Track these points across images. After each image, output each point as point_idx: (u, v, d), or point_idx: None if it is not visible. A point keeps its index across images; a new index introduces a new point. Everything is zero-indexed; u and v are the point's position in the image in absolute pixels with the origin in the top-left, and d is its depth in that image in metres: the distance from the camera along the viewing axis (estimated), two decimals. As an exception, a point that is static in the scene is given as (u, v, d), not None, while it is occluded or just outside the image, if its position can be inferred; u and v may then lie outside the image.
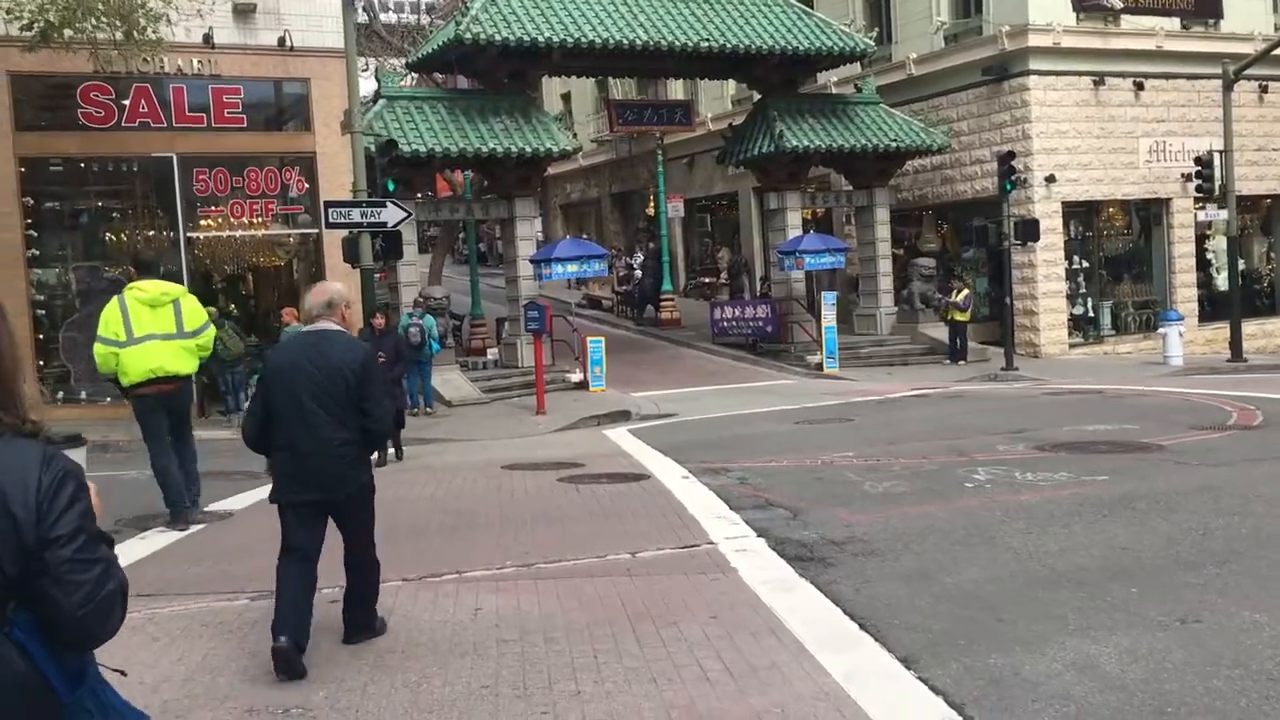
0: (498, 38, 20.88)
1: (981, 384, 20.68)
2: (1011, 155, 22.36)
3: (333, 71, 17.93)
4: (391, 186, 17.02)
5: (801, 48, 23.55)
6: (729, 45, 22.90)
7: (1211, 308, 26.39)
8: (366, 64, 24.83)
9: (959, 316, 23.76)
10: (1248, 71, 23.97)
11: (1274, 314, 27.09)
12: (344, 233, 16.72)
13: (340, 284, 6.09)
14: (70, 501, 2.16)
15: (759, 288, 31.31)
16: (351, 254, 16.52)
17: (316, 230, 18.77)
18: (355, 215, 16.06)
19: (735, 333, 25.96)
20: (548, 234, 40.10)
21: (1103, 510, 8.13)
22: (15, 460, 2.14)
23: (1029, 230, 22.15)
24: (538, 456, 13.06)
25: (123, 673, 2.51)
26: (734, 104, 32.83)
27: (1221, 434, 11.96)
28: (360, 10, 22.50)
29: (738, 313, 26.20)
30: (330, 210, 16.02)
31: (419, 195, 23.06)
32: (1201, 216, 24.54)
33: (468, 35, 20.67)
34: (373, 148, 17.64)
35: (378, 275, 21.39)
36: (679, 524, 8.41)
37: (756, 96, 26.99)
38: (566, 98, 39.85)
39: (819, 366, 23.12)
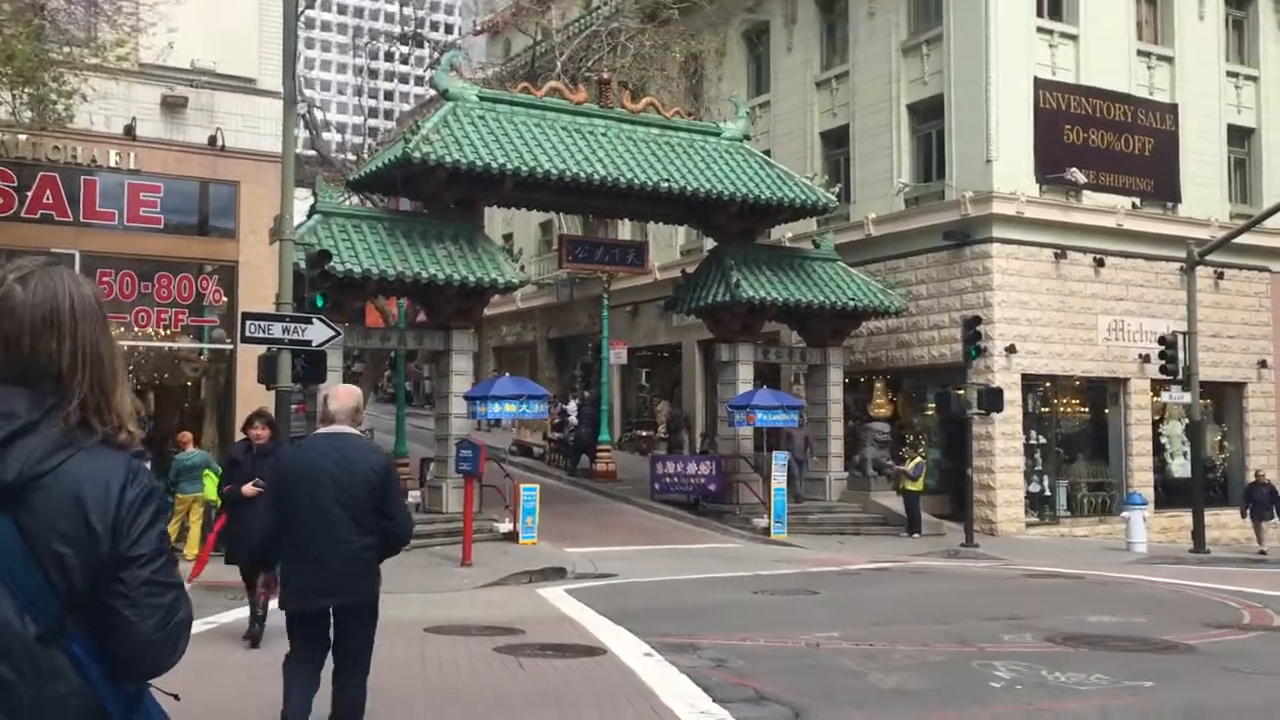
0: (448, 159, 19.67)
1: (943, 560, 19.21)
2: (978, 320, 21.52)
3: (266, 176, 16.46)
4: (320, 302, 15.38)
5: (763, 197, 22.73)
6: (689, 188, 21.98)
7: (1166, 494, 25.45)
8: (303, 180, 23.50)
9: (910, 486, 22.47)
10: (1205, 258, 23.69)
11: (1226, 505, 26.18)
12: (261, 350, 14.98)
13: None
14: (152, 520, 2.11)
15: (699, 444, 29.90)
16: (269, 374, 14.73)
17: (230, 346, 16.95)
18: (277, 330, 14.34)
19: (676, 490, 24.34)
20: (478, 377, 38.47)
21: (1180, 730, 6.57)
22: (101, 470, 2.06)
23: (993, 400, 21.12)
24: (467, 617, 11.17)
25: (176, 697, 2.31)
26: (683, 254, 32.01)
27: (1246, 635, 10.58)
28: (301, 122, 21.25)
29: (680, 469, 24.63)
30: (248, 323, 14.29)
31: (347, 323, 21.44)
32: (1166, 398, 23.80)
33: (417, 154, 19.43)
34: (303, 261, 16.08)
35: (295, 406, 19.56)
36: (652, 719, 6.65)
37: (707, 247, 26.16)
38: (509, 238, 38.85)
39: (766, 531, 21.52)
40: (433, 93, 26.00)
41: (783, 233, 27.46)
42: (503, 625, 10.52)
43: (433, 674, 8.11)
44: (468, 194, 21.06)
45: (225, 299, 17.43)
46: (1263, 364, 27.00)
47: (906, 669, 8.34)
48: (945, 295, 24.55)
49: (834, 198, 23.86)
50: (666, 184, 21.76)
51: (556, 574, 16.27)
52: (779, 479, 21.53)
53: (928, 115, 25.75)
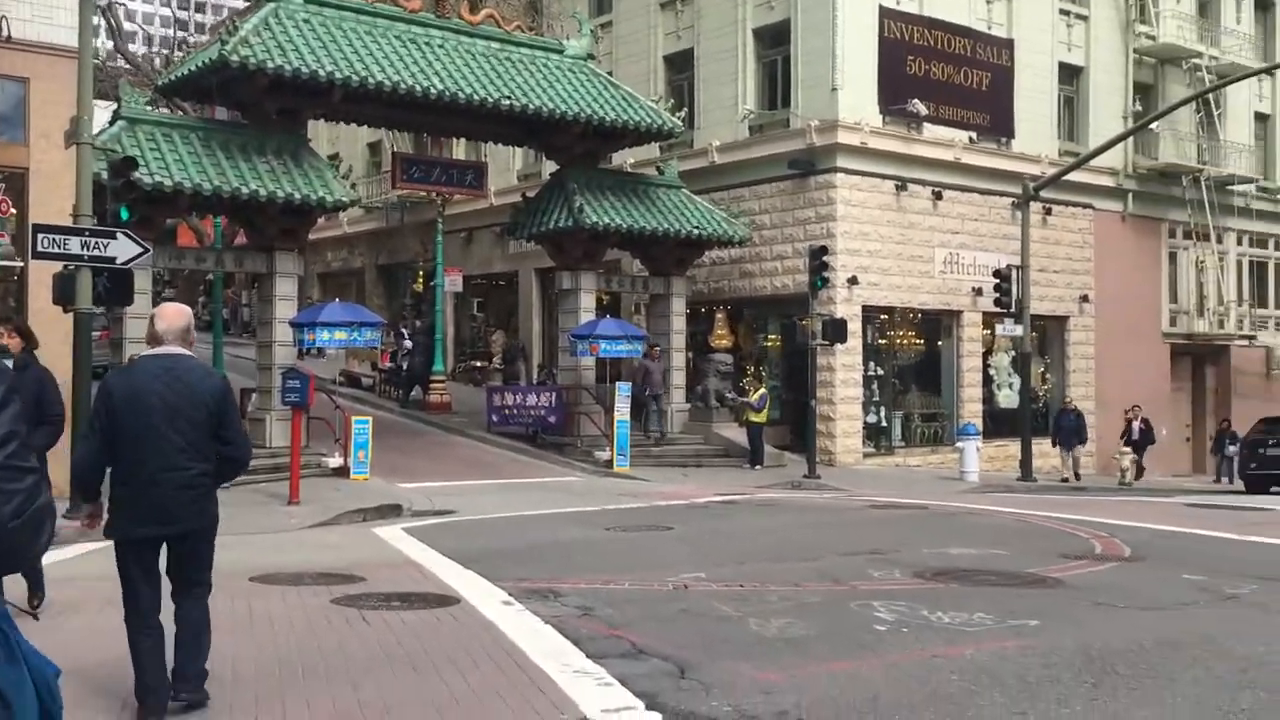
0: (271, 65, 18.02)
1: (787, 492, 19.08)
2: (824, 250, 21.31)
3: (60, 72, 14.57)
4: (125, 216, 13.79)
5: (608, 119, 21.84)
6: (531, 106, 20.89)
7: (993, 424, 26.11)
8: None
9: (754, 418, 22.32)
10: (1038, 194, 24.12)
11: (1048, 434, 27.09)
12: (57, 267, 13.35)
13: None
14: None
15: (536, 375, 29.11)
16: (65, 294, 13.15)
17: (20, 264, 15.13)
18: (74, 245, 12.76)
19: (515, 422, 23.53)
20: (302, 304, 36.51)
21: (1083, 676, 6.23)
22: None
23: (837, 331, 21.03)
24: (298, 562, 10.16)
25: (35, 616, 2.40)
26: (521, 178, 30.88)
27: (1103, 566, 10.53)
28: (101, 18, 19.14)
29: (518, 400, 23.81)
30: (41, 236, 12.66)
31: (157, 241, 19.61)
32: (1000, 330, 24.27)
33: (235, 57, 17.72)
34: (104, 171, 14.41)
35: (98, 333, 17.82)
36: (525, 682, 5.91)
37: (546, 173, 25.19)
38: (335, 158, 36.76)
39: (609, 464, 20.99)
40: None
41: (624, 159, 26.68)
42: (340, 571, 9.58)
43: (262, 633, 7.14)
44: (292, 104, 19.44)
45: (14, 211, 15.51)
46: (1084, 298, 27.90)
47: (785, 613, 7.83)
48: (789, 225, 24.30)
49: (680, 122, 23.18)
50: (508, 101, 20.63)
51: (392, 511, 15.33)
52: (622, 410, 20.97)
53: (774, 41, 25.26)
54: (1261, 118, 32.64)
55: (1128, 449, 25.29)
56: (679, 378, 23.92)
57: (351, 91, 19.17)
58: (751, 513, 15.32)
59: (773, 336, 25.81)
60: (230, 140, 18.83)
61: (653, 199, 23.29)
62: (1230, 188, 30.83)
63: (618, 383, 21.65)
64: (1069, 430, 24.38)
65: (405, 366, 27.74)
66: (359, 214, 34.95)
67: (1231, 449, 27.97)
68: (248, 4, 21.51)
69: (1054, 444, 24.90)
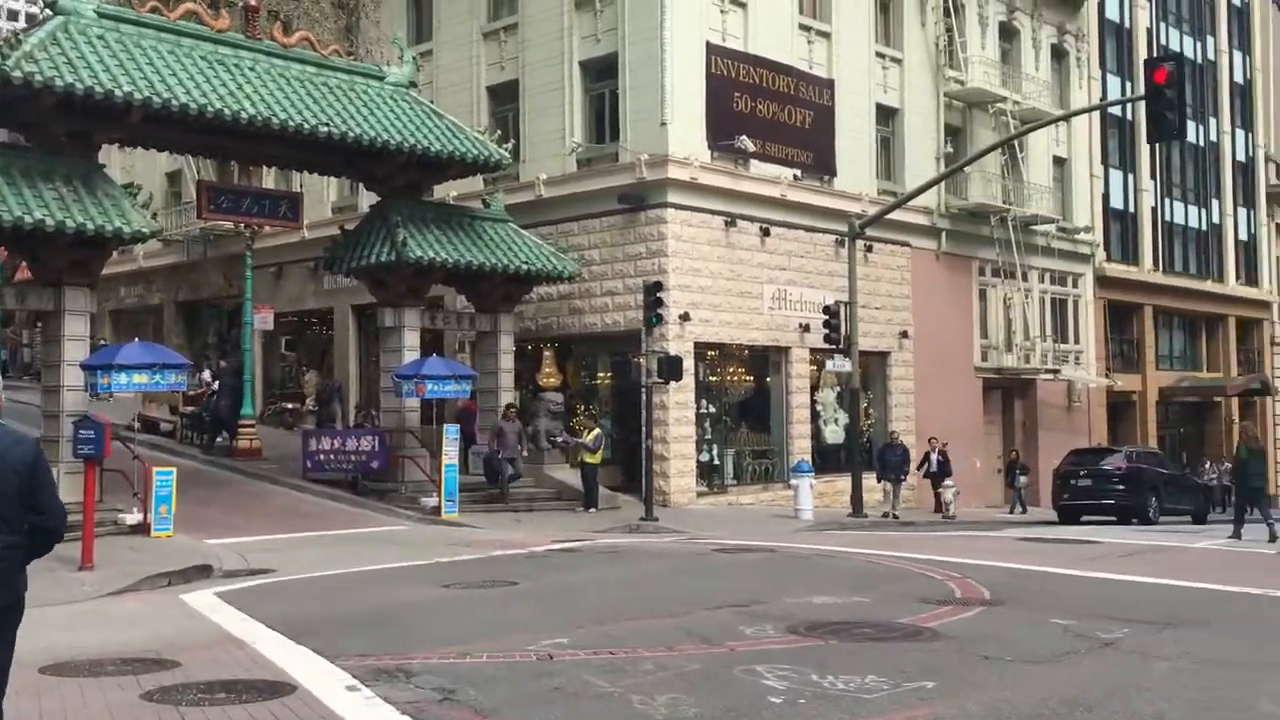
0: (60, 83, 16.33)
1: (627, 536, 18.42)
2: (659, 286, 20.89)
3: None
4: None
5: (433, 149, 20.87)
6: (352, 134, 19.73)
7: (821, 460, 26.18)
8: None
9: (589, 458, 21.64)
10: (863, 230, 24.45)
11: (871, 469, 27.38)
12: None
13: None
14: None
15: (354, 417, 27.60)
16: None
17: None
18: None
19: (333, 468, 22.10)
20: (94, 344, 33.77)
21: (1008, 748, 5.75)
22: None
23: (673, 368, 20.60)
24: (96, 644, 8.84)
25: None
26: (336, 210, 29.48)
27: (970, 612, 10.26)
28: None
29: (338, 444, 22.37)
30: None
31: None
32: (830, 366, 24.38)
33: (17, 73, 15.96)
34: None
35: None
36: (391, 799, 4.98)
37: (364, 206, 24.03)
38: (129, 187, 34.27)
39: (436, 511, 19.86)
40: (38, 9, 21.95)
41: (447, 191, 25.70)
42: (147, 654, 8.33)
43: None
44: (83, 126, 17.70)
45: None
46: (904, 334, 28.46)
47: (667, 685, 7.11)
48: (619, 260, 23.82)
49: (508, 154, 22.42)
50: (326, 128, 19.42)
51: (200, 573, 13.85)
52: (450, 454, 19.92)
53: (602, 74, 24.86)
54: (1059, 161, 34.31)
55: (951, 483, 25.76)
56: (508, 418, 22.99)
57: (152, 113, 17.60)
58: (597, 562, 14.57)
59: (603, 374, 25.23)
60: (12, 164, 16.94)
61: (479, 233, 22.41)
62: (1033, 227, 32.20)
63: (445, 425, 20.58)
64: (895, 464, 24.65)
65: (209, 410, 25.80)
66: (157, 247, 32.65)
67: (1022, 479, 28.88)
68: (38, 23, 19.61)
69: (879, 479, 25.13)
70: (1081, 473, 26.30)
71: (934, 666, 7.70)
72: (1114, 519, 25.50)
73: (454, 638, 8.90)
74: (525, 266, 22.25)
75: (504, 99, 26.81)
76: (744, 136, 24.13)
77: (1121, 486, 25.71)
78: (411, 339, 21.67)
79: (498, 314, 23.05)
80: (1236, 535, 19.20)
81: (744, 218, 24.57)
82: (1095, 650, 8.46)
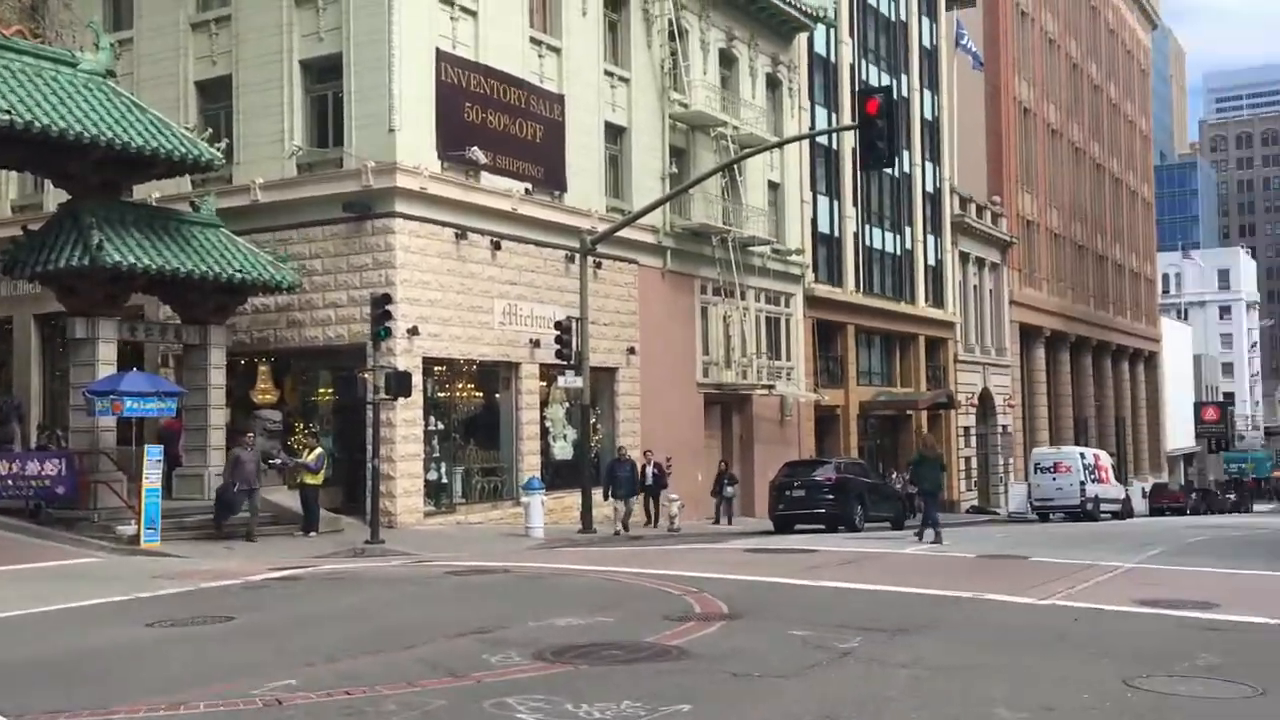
0: None
1: (353, 561, 17.50)
2: (388, 299, 20.06)
3: None
4: None
5: (134, 144, 19.17)
6: (38, 124, 17.82)
7: (550, 476, 25.98)
8: None
9: (310, 480, 20.49)
10: (595, 247, 24.52)
11: (598, 484, 27.48)
12: None
13: None
14: None
15: (35, 437, 24.98)
16: None
17: None
18: None
19: (10, 494, 19.85)
20: None
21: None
22: None
23: (401, 384, 19.81)
24: None
25: None
26: (16, 210, 26.69)
27: (712, 627, 10.22)
28: None
29: (16, 468, 20.10)
30: None
31: None
32: (562, 382, 24.19)
33: None
34: None
35: None
36: None
37: (55, 203, 21.84)
38: None
39: (135, 540, 18.20)
40: None
41: (148, 193, 23.78)
42: None
43: None
44: None
45: None
46: (631, 350, 28.77)
47: (415, 727, 6.57)
48: (344, 272, 22.76)
49: (220, 154, 20.94)
50: (7, 116, 17.42)
51: None
52: (153, 478, 18.31)
53: (325, 75, 23.73)
54: (774, 186, 35.82)
55: (676, 497, 26.18)
56: (217, 437, 21.42)
57: None
58: (323, 591, 13.66)
59: (324, 391, 24.00)
60: None
61: (187, 238, 20.79)
62: (751, 248, 33.41)
63: (147, 446, 18.89)
64: (625, 480, 24.74)
65: None
66: None
67: (730, 489, 29.68)
68: None
69: (607, 495, 25.16)
70: (795, 484, 27.42)
71: (688, 688, 7.53)
72: (823, 527, 26.74)
73: (164, 685, 7.94)
74: (239, 275, 20.84)
75: (216, 96, 25.09)
76: (475, 148, 23.66)
77: (831, 496, 26.98)
78: (107, 352, 19.78)
79: (208, 326, 21.46)
80: (937, 539, 20.47)
81: (475, 230, 24.08)
82: (836, 661, 8.58)
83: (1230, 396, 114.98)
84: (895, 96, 44.65)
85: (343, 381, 20.77)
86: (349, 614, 11.66)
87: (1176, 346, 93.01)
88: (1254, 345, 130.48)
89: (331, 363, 23.30)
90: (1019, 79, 57.88)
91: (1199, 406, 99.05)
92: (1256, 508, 78.12)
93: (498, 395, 25.58)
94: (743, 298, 33.16)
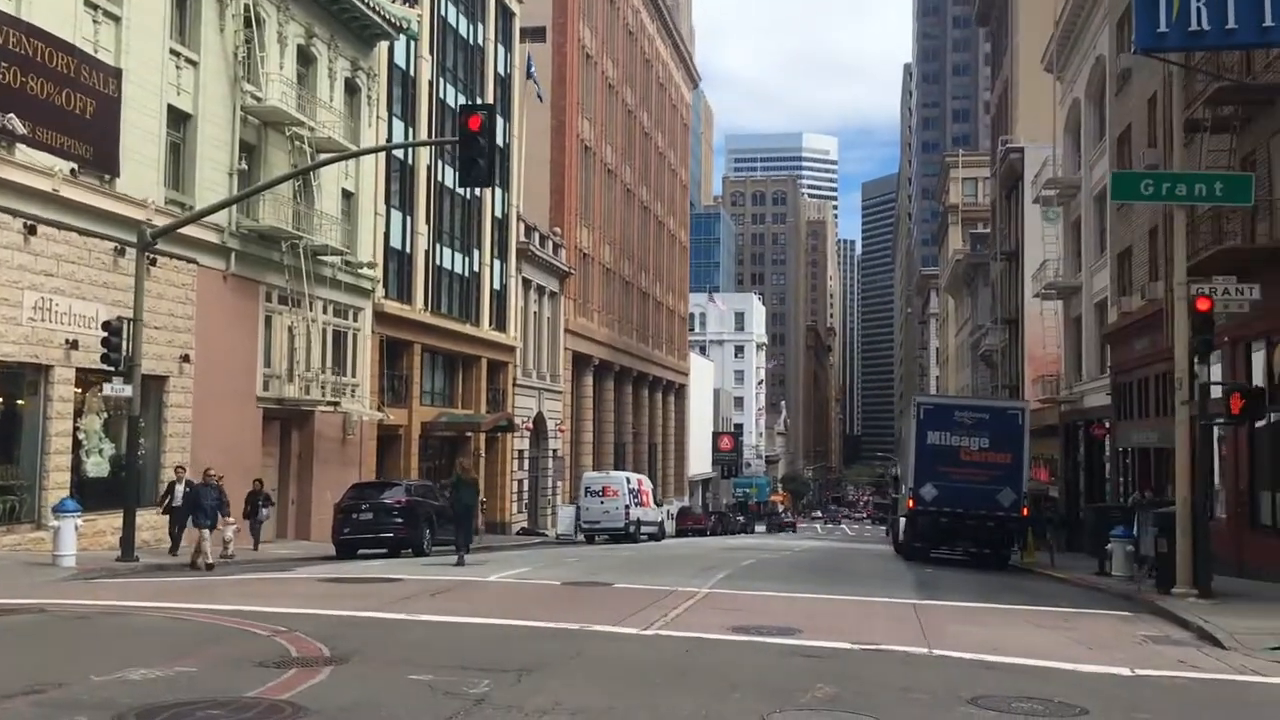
0: None
1: None
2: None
3: None
4: None
5: None
6: None
7: (83, 496, 22.87)
8: None
9: None
10: (157, 241, 22.01)
11: (141, 504, 24.62)
12: None
13: None
14: None
15: None
16: None
17: None
18: None
19: None
20: None
21: None
22: None
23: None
24: None
25: None
26: None
27: (322, 674, 9.18)
28: None
29: None
30: None
31: None
32: (109, 390, 21.27)
33: None
34: None
35: None
36: None
37: None
38: None
39: None
40: None
41: None
42: None
43: None
44: None
45: None
46: (185, 358, 26.23)
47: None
48: None
49: None
50: None
51: None
52: None
53: None
54: (348, 195, 34.39)
55: (233, 521, 24.02)
56: None
57: None
58: None
59: None
60: None
61: None
62: (322, 258, 31.80)
63: None
64: (211, 508, 21.88)
65: None
66: None
67: (264, 511, 27.63)
68: None
69: (188, 525, 22.10)
70: (363, 506, 26.30)
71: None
72: (387, 551, 25.81)
73: None
74: None
75: None
76: (12, 115, 20.41)
77: (400, 520, 26.17)
78: None
79: None
80: (460, 562, 21.22)
81: (6, 211, 20.74)
82: (473, 710, 7.95)
83: (740, 428, 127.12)
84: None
85: None
86: None
87: (701, 380, 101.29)
88: (760, 382, 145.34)
89: None
90: (582, 117, 60.34)
91: (716, 436, 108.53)
92: (758, 529, 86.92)
93: (20, 402, 22.15)
94: (310, 309, 31.43)
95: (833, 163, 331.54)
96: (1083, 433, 39.22)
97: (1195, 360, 16.30)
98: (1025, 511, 27.95)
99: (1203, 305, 15.64)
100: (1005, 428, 27.84)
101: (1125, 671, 10.51)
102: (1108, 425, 33.88)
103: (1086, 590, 19.65)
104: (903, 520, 34.59)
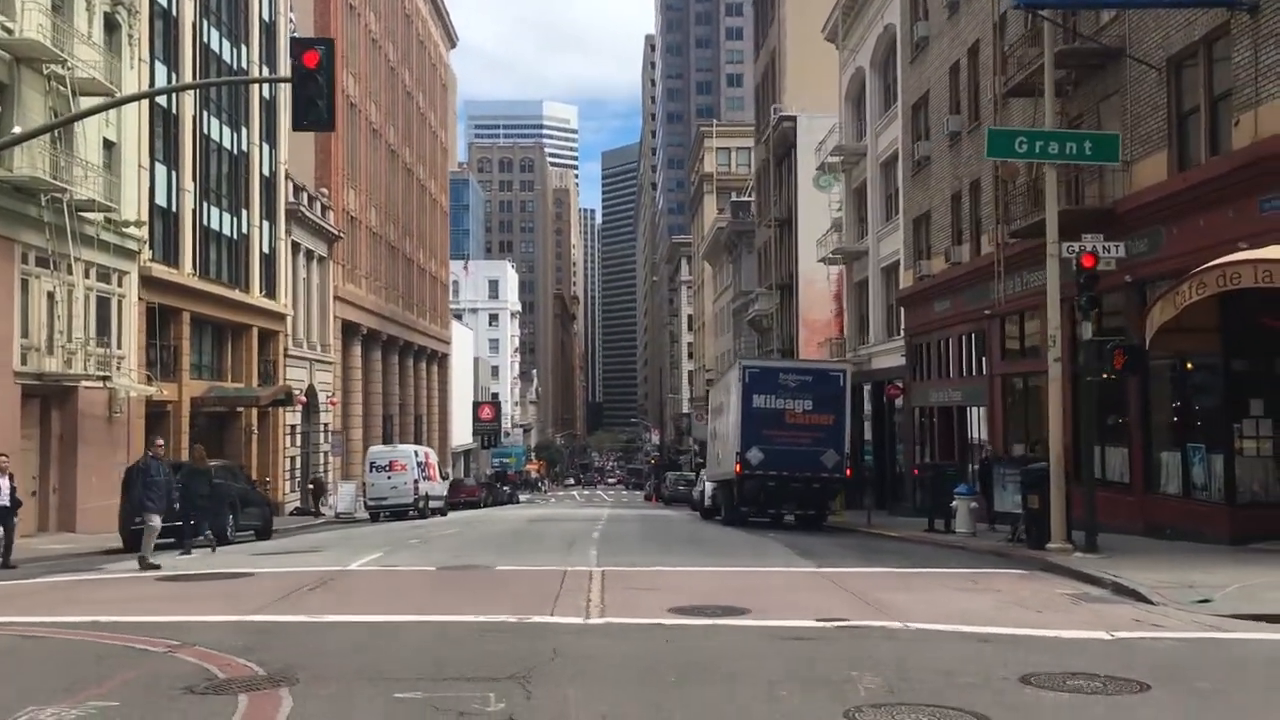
0: None
1: None
2: None
3: None
4: None
5: None
6: None
7: None
8: None
9: None
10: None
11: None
12: None
13: None
14: None
15: None
16: None
17: None
18: None
19: None
20: None
21: None
22: None
23: None
24: None
25: None
26: None
27: (272, 700, 7.58)
28: None
29: None
30: None
31: None
32: None
33: None
34: None
35: None
36: None
37: None
38: None
39: None
40: None
41: None
42: None
43: None
44: None
45: None
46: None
47: None
48: None
49: None
50: None
51: None
52: None
53: None
54: (109, 145, 30.69)
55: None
56: None
57: None
58: None
59: None
60: None
61: None
62: (85, 214, 28.22)
63: None
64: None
65: None
66: None
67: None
68: None
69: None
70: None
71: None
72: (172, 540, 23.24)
73: None
74: None
75: None
76: None
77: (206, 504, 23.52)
78: None
79: None
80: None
81: None
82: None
83: (497, 397, 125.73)
84: (235, 66, 41.32)
85: None
86: None
87: (461, 349, 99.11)
88: (515, 350, 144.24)
89: None
90: (346, 72, 57.00)
91: (477, 405, 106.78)
92: (521, 498, 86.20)
93: None
94: (70, 272, 27.84)
95: (573, 132, 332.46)
96: (870, 393, 40.49)
97: (1079, 316, 16.64)
98: (850, 472, 28.31)
99: (1088, 262, 15.86)
100: (828, 389, 28.05)
101: (1105, 635, 10.27)
102: (901, 385, 35.01)
103: (951, 550, 19.85)
104: (712, 485, 34.55)
